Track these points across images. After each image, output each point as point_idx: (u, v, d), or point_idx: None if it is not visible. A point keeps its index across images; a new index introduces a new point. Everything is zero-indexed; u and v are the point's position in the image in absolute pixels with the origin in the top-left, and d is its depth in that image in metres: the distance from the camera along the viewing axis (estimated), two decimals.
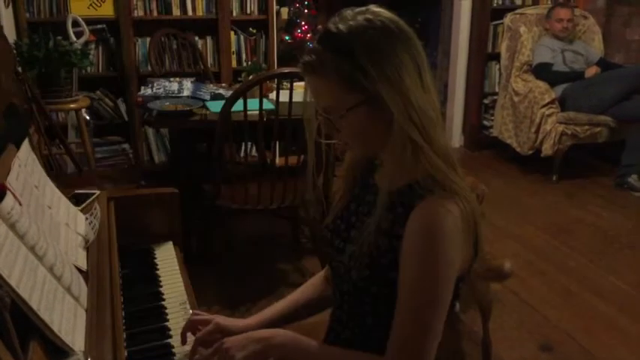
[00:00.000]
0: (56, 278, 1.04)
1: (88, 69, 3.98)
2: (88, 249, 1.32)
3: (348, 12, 1.07)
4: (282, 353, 1.11)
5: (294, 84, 2.51)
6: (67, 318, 0.98)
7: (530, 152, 4.37)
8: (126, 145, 4.25)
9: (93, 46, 4.00)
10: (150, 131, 4.28)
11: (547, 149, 4.20)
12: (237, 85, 3.53)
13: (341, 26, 1.05)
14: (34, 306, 0.90)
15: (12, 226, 0.99)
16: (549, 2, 4.81)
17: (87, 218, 1.45)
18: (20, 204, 1.06)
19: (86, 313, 1.07)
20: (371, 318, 1.13)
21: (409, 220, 1.03)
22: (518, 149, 4.47)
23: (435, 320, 1.03)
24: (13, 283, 0.88)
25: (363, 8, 1.08)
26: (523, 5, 4.82)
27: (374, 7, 1.08)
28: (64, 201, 1.42)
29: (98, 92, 4.12)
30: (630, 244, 3.35)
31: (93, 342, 1.00)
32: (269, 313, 1.33)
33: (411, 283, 1.02)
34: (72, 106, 3.42)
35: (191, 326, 1.24)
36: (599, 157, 4.68)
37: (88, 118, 3.88)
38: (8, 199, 1.02)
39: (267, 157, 3.50)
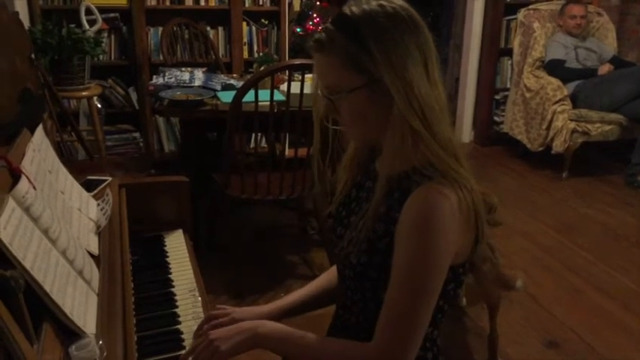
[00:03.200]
0: (69, 262, 1.05)
1: (101, 57, 4.00)
2: (99, 234, 1.33)
3: None
4: (267, 343, 1.12)
5: (306, 76, 2.52)
6: (79, 301, 0.99)
7: (541, 149, 4.36)
8: (136, 134, 4.27)
9: (105, 34, 4.01)
10: (160, 120, 4.30)
11: (558, 146, 4.18)
12: (249, 76, 3.55)
13: (354, 9, 1.06)
14: (47, 288, 0.92)
15: (26, 210, 1.01)
16: None
17: (99, 204, 1.46)
18: (34, 188, 1.07)
19: (97, 297, 1.08)
20: (373, 303, 1.13)
21: (405, 204, 1.03)
22: (528, 145, 4.46)
23: (423, 306, 1.03)
24: (27, 265, 0.90)
25: None
26: (537, 1, 4.78)
27: None
28: (77, 186, 1.43)
29: (110, 80, 4.13)
30: (638, 243, 3.34)
31: (104, 326, 1.01)
32: (283, 302, 1.35)
33: (402, 268, 1.03)
34: (84, 93, 3.44)
35: (209, 319, 1.25)
36: (609, 156, 4.66)
37: (99, 106, 3.90)
38: (23, 182, 1.03)
39: (276, 149, 3.52)
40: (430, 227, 1.00)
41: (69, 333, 0.94)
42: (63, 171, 1.40)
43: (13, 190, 1.00)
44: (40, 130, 1.34)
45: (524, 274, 2.78)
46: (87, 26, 3.61)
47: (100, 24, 3.68)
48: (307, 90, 2.52)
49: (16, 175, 1.03)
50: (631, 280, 2.94)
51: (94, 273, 1.13)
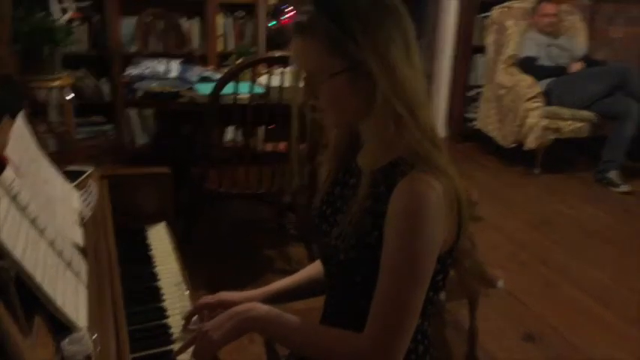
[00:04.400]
0: (57, 253, 1.01)
1: (71, 47, 3.90)
2: (84, 226, 1.29)
3: None
4: (258, 326, 1.11)
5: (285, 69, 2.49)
6: (69, 294, 0.96)
7: (514, 145, 4.41)
8: (108, 126, 4.18)
9: (77, 23, 3.91)
10: (133, 113, 4.22)
11: (530, 142, 4.24)
12: (226, 69, 3.50)
13: None
14: (39, 280, 0.88)
15: (13, 198, 0.96)
16: None
17: (81, 195, 1.41)
18: (20, 176, 1.03)
19: (87, 290, 1.04)
20: (364, 300, 1.11)
21: (392, 196, 1.02)
22: (501, 142, 4.51)
23: (414, 296, 1.02)
24: (17, 255, 0.86)
25: None
26: None
27: None
28: (59, 177, 1.38)
29: (81, 71, 4.03)
30: (610, 239, 3.40)
31: (96, 319, 0.98)
32: (274, 287, 1.33)
33: (392, 258, 1.01)
34: (55, 84, 3.35)
35: (198, 309, 1.22)
36: (580, 152, 4.74)
37: (70, 97, 3.80)
38: (9, 170, 0.99)
39: (255, 142, 3.48)
40: (418, 217, 0.99)
41: (60, 326, 0.90)
42: (44, 161, 1.35)
43: (0, 178, 0.95)
44: (21, 118, 1.29)
45: (500, 270, 2.81)
46: (59, 14, 3.51)
47: (72, 12, 3.59)
48: (287, 83, 2.50)
49: (1, 163, 0.99)
50: (605, 274, 3.00)
51: (82, 265, 1.09)
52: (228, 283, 2.75)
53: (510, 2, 4.74)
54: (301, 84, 1.10)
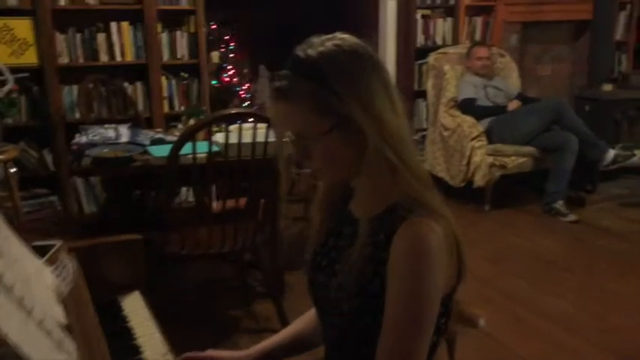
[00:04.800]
0: (47, 334, 0.95)
1: (10, 120, 3.80)
2: (62, 303, 1.22)
3: (315, 39, 1.08)
4: None
5: (235, 126, 2.48)
6: None
7: (463, 184, 4.51)
8: (53, 197, 4.04)
9: (15, 95, 3.81)
10: (79, 181, 4.10)
11: (478, 180, 4.35)
12: (175, 130, 3.47)
13: (310, 52, 1.05)
14: None
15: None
16: (468, 42, 5.06)
17: (53, 270, 1.34)
18: (1, 256, 0.97)
19: None
20: (367, 349, 1.08)
21: (393, 242, 1.01)
22: (450, 182, 4.61)
23: (420, 344, 1.01)
24: (13, 339, 0.80)
25: (330, 35, 1.09)
26: (444, 45, 5.05)
27: (340, 34, 1.09)
28: (28, 253, 1.31)
29: (22, 143, 3.91)
30: (567, 267, 3.49)
31: None
32: (266, 344, 1.30)
33: (396, 306, 1.00)
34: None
35: None
36: (525, 187, 4.89)
37: (13, 170, 3.67)
38: None
39: (212, 201, 3.43)
40: (422, 262, 0.99)
41: None
42: (12, 236, 1.28)
43: None
44: None
45: (477, 308, 2.83)
46: None
47: (11, 84, 3.50)
48: (245, 139, 2.49)
49: None
50: (567, 302, 3.06)
51: (70, 345, 1.02)
52: (195, 346, 2.65)
53: (445, 48, 4.94)
54: (290, 142, 1.09)
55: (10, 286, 0.92)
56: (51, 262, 1.39)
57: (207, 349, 1.24)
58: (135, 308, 1.57)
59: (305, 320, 1.37)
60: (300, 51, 1.06)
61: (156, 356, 1.33)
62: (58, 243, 1.50)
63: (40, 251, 1.45)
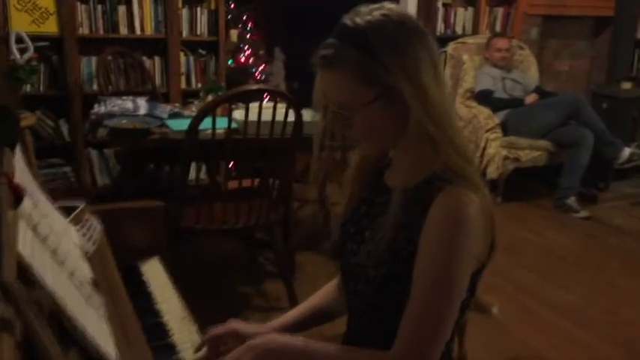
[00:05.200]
0: (77, 287, 0.96)
1: (28, 87, 3.80)
2: (88, 260, 1.23)
3: (363, 8, 1.07)
4: (282, 358, 1.07)
5: (254, 104, 2.47)
6: (95, 328, 0.90)
7: None
8: (67, 168, 4.05)
9: (35, 63, 3.81)
10: (93, 153, 4.11)
11: (492, 172, 4.34)
12: (192, 106, 3.47)
13: (358, 20, 1.04)
14: (71, 313, 0.82)
15: (34, 229, 0.91)
16: (488, 32, 5.02)
17: (79, 230, 1.35)
18: (36, 206, 0.97)
19: (108, 324, 0.99)
20: (391, 318, 1.08)
21: (431, 210, 1.01)
22: None
23: (449, 308, 1.00)
24: (49, 285, 0.80)
25: (377, 5, 1.08)
26: (464, 35, 5.01)
27: (387, 4, 1.08)
28: (55, 211, 1.32)
29: (38, 112, 3.91)
30: (577, 262, 3.49)
31: (123, 353, 0.92)
32: (285, 318, 1.30)
33: (428, 272, 1.00)
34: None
35: (210, 340, 1.18)
36: (538, 181, 4.88)
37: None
38: (27, 200, 0.93)
39: (227, 178, 3.44)
40: (459, 230, 0.99)
41: None
42: (41, 194, 1.29)
43: (20, 208, 0.90)
44: (19, 150, 1.23)
45: (490, 296, 2.84)
46: (17, 55, 3.42)
47: (31, 52, 3.50)
48: (264, 117, 2.48)
49: (18, 193, 0.94)
50: (577, 296, 3.06)
51: (99, 299, 1.03)
52: (207, 323, 2.66)
53: (464, 38, 4.91)
54: (331, 111, 1.09)
55: (45, 236, 0.93)
56: (75, 221, 1.40)
57: (228, 320, 1.23)
58: (154, 274, 1.58)
59: (322, 294, 1.37)
60: (347, 19, 1.06)
61: (175, 321, 1.34)
62: (81, 204, 1.51)
63: (64, 212, 1.46)
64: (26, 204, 0.92)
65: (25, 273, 0.77)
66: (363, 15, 1.05)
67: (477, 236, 1.01)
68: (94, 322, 0.91)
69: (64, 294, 0.85)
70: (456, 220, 0.99)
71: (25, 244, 0.81)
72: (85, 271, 1.14)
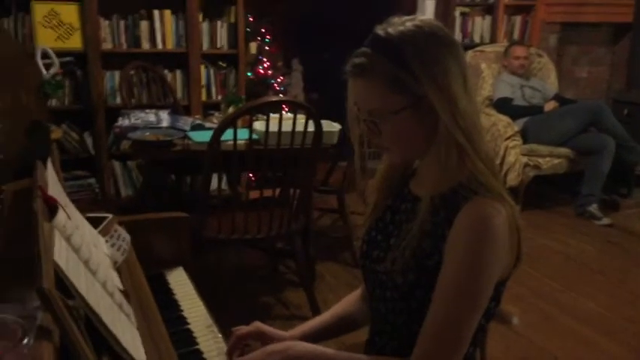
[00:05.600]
0: (109, 295, 1.00)
1: (54, 102, 3.90)
2: (117, 271, 1.27)
3: (396, 19, 1.10)
4: None
5: (274, 115, 2.51)
6: (128, 335, 0.94)
7: None
8: (92, 180, 4.13)
9: (60, 78, 3.91)
10: (117, 165, 4.19)
11: (512, 180, 4.33)
12: (213, 118, 3.53)
13: (390, 31, 1.07)
14: (105, 321, 0.86)
15: (67, 240, 0.95)
16: (505, 41, 5.03)
17: (107, 241, 1.40)
18: (70, 218, 1.02)
19: (138, 331, 1.03)
20: (416, 326, 1.10)
21: (457, 219, 1.03)
22: None
23: (471, 318, 1.02)
24: (83, 293, 0.84)
25: (410, 16, 1.11)
26: (482, 43, 5.03)
27: (420, 15, 1.11)
28: (86, 223, 1.37)
29: (64, 126, 4.00)
30: (599, 270, 3.47)
31: None
32: (307, 327, 1.32)
33: (451, 281, 1.02)
34: None
35: (237, 342, 1.21)
36: (558, 188, 4.86)
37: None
38: (61, 212, 0.98)
39: (248, 189, 3.49)
40: (485, 240, 1.01)
41: None
42: (72, 205, 1.34)
43: (54, 220, 0.95)
44: (50, 163, 1.28)
45: (511, 305, 2.82)
46: (43, 70, 3.51)
47: (56, 68, 3.58)
48: (285, 128, 2.53)
49: (53, 205, 0.98)
50: (598, 304, 3.04)
51: (130, 308, 1.07)
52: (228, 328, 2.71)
53: (482, 46, 4.92)
54: (362, 120, 1.12)
55: (78, 247, 0.97)
56: (104, 232, 1.44)
57: (253, 322, 1.26)
58: (180, 282, 1.61)
59: (344, 304, 1.39)
60: (380, 30, 1.09)
61: (201, 328, 1.37)
62: (109, 216, 1.55)
63: (92, 223, 1.51)
64: (60, 216, 0.96)
65: (60, 282, 0.81)
66: (395, 25, 1.08)
67: (502, 247, 1.03)
68: (126, 330, 0.95)
69: (98, 302, 0.89)
70: (482, 231, 1.01)
71: (61, 254, 0.85)
72: (116, 280, 1.19)
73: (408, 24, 1.08)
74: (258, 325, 1.23)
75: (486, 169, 1.07)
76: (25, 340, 0.58)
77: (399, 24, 1.08)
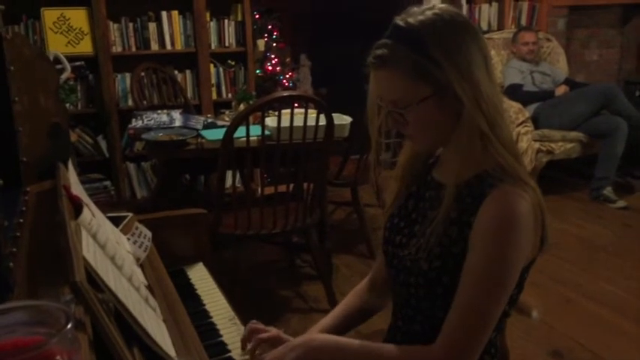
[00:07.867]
0: (135, 289, 1.02)
1: (67, 106, 3.94)
2: (141, 267, 1.30)
3: (415, 8, 1.11)
4: (324, 355, 1.11)
5: (285, 110, 2.52)
6: (155, 328, 0.96)
7: None
8: (107, 182, 4.18)
9: (72, 83, 3.95)
10: (131, 167, 4.23)
11: (525, 166, 4.31)
12: (224, 116, 3.55)
13: (410, 20, 1.07)
14: (134, 314, 0.88)
15: (93, 237, 0.98)
16: (513, 27, 5.01)
17: (129, 238, 1.42)
18: (94, 216, 1.04)
19: (165, 324, 1.05)
20: (442, 311, 1.11)
21: (482, 206, 1.04)
22: None
23: (497, 304, 1.03)
24: (112, 288, 0.87)
25: (429, 5, 1.12)
26: (489, 30, 5.00)
27: (439, 4, 1.12)
28: (107, 221, 1.39)
29: (78, 129, 4.05)
30: (617, 253, 3.46)
31: (182, 353, 0.98)
32: (324, 322, 1.33)
33: (478, 267, 1.03)
34: None
35: (251, 334, 1.23)
36: (571, 173, 4.84)
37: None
38: (86, 210, 1.00)
39: (262, 184, 3.51)
40: (511, 227, 1.02)
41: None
42: (93, 205, 1.36)
43: (80, 218, 0.97)
44: (71, 164, 1.31)
45: (531, 297, 2.83)
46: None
47: (68, 72, 3.62)
48: (296, 123, 2.54)
49: (78, 204, 1.00)
50: (617, 287, 3.04)
51: (155, 302, 1.09)
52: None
53: (490, 34, 4.90)
54: (385, 110, 1.12)
55: (103, 243, 1.00)
56: (125, 230, 1.47)
57: (274, 329, 1.26)
58: (200, 277, 1.64)
59: (353, 297, 1.39)
60: (400, 20, 1.09)
61: (223, 321, 1.39)
62: (129, 215, 1.58)
63: (112, 222, 1.53)
64: (86, 213, 0.99)
65: (89, 277, 0.84)
66: (415, 15, 1.08)
67: (527, 235, 1.03)
68: (154, 323, 0.97)
69: (126, 296, 0.92)
70: (508, 218, 1.01)
71: (89, 250, 0.88)
72: (140, 276, 1.21)
73: (428, 12, 1.08)
74: (279, 333, 1.23)
75: (509, 154, 1.07)
76: (69, 326, 0.60)
77: (418, 13, 1.09)
